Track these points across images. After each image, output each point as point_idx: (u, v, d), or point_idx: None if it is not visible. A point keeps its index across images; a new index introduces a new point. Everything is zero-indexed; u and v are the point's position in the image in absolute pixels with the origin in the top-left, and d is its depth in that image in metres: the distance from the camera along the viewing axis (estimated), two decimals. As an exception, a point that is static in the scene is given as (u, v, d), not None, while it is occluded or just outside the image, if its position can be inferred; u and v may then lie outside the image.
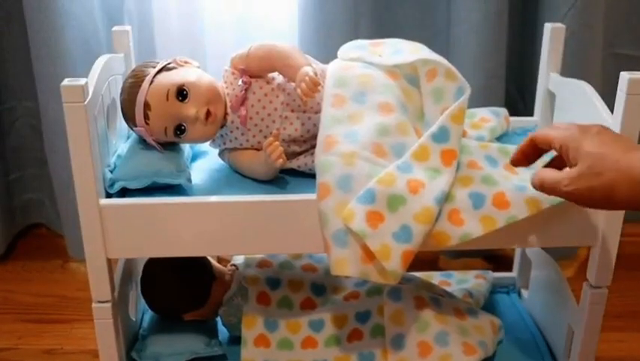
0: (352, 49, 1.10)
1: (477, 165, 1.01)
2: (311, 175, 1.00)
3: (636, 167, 0.69)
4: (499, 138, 1.18)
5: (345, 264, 0.93)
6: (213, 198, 0.99)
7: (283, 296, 1.18)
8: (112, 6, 1.46)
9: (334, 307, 1.16)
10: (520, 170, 1.04)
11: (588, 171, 0.72)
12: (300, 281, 1.20)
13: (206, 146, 1.15)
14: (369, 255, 0.93)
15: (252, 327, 1.14)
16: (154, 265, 1.19)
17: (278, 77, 1.07)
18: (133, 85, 1.03)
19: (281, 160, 1.01)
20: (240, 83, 1.06)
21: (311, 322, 1.15)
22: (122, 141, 1.13)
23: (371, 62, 1.07)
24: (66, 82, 0.91)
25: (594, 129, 0.76)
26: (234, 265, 1.24)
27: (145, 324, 1.24)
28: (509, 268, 1.43)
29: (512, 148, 1.06)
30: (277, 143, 1.01)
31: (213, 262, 1.24)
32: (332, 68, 1.06)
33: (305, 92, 0.99)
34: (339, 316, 1.15)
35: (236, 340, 1.17)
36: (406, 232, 0.93)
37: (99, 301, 1.02)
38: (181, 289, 1.18)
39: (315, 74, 1.01)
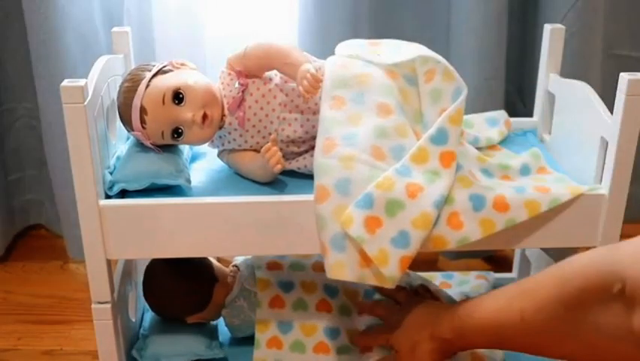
0: (350, 47, 1.09)
1: (474, 175, 1.01)
2: (311, 176, 1.00)
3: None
4: (501, 142, 1.19)
5: (343, 268, 0.93)
6: (213, 199, 0.99)
7: (298, 298, 1.16)
8: (111, 7, 1.46)
9: (352, 322, 1.16)
10: (516, 177, 1.04)
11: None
12: (312, 282, 1.18)
13: (205, 147, 1.14)
14: (366, 259, 0.93)
15: (266, 330, 1.14)
16: (155, 269, 1.18)
17: (275, 78, 1.06)
18: (129, 89, 1.02)
19: (279, 166, 1.00)
20: (236, 85, 1.05)
21: (327, 328, 1.14)
22: (121, 141, 1.13)
23: (370, 60, 1.06)
24: (66, 82, 0.91)
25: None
26: (236, 265, 1.23)
27: (146, 323, 1.24)
28: (509, 269, 1.43)
29: (512, 163, 1.06)
30: (275, 148, 1.00)
31: (215, 263, 1.22)
32: (330, 66, 1.04)
33: (307, 90, 0.98)
34: (355, 331, 1.15)
35: (237, 342, 1.17)
36: (404, 238, 0.92)
37: (99, 302, 1.02)
38: (183, 296, 1.17)
39: (317, 70, 1.00)
